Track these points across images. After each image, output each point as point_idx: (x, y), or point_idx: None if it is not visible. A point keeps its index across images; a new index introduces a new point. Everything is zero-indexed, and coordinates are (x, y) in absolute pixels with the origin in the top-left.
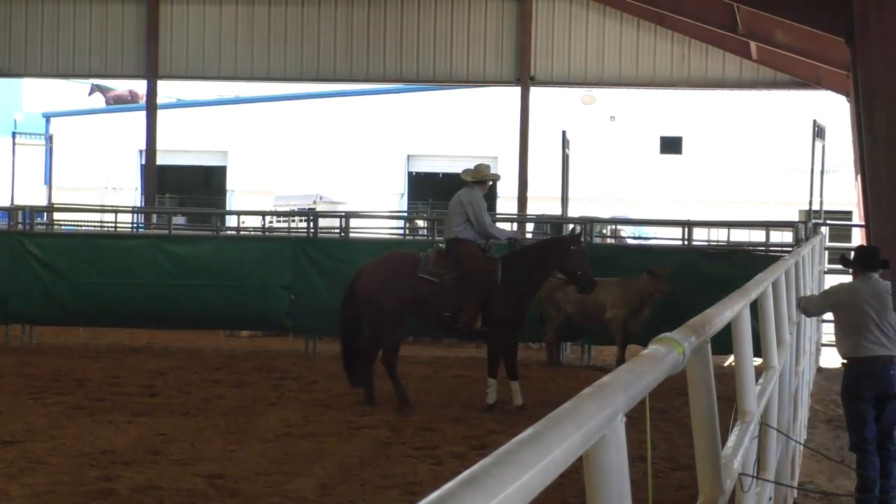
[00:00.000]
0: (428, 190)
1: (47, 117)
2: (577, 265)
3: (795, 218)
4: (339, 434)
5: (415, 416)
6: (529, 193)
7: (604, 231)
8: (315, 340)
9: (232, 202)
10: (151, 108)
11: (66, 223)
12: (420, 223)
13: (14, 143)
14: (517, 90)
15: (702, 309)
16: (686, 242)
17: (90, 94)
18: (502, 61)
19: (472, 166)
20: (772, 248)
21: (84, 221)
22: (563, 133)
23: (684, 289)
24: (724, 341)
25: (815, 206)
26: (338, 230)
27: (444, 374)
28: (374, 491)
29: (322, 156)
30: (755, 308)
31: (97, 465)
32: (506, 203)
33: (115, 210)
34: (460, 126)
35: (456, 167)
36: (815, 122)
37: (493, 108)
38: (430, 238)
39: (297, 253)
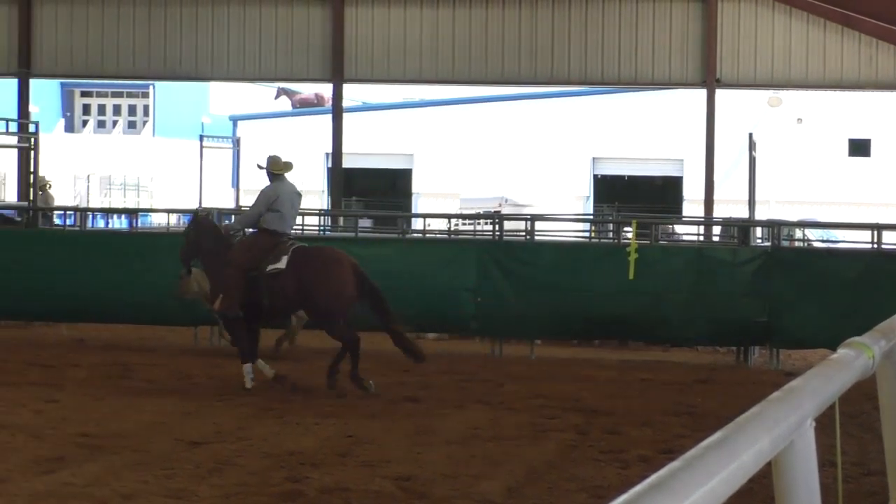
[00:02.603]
0: (613, 193)
1: (234, 120)
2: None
3: None
4: (525, 437)
5: (601, 419)
6: (716, 196)
7: (791, 234)
8: (500, 343)
9: (417, 205)
10: (337, 111)
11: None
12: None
13: (202, 146)
14: (703, 92)
15: (891, 313)
16: (875, 245)
17: (276, 97)
18: (687, 63)
19: (274, 160)
20: None
21: None
22: (750, 135)
23: (873, 292)
24: None
25: None
26: (523, 233)
27: (630, 376)
28: (561, 494)
29: (507, 159)
30: None
31: (285, 467)
32: (692, 206)
33: (302, 213)
34: (645, 128)
35: (642, 170)
36: None
37: (678, 110)
38: (615, 241)
39: (483, 256)
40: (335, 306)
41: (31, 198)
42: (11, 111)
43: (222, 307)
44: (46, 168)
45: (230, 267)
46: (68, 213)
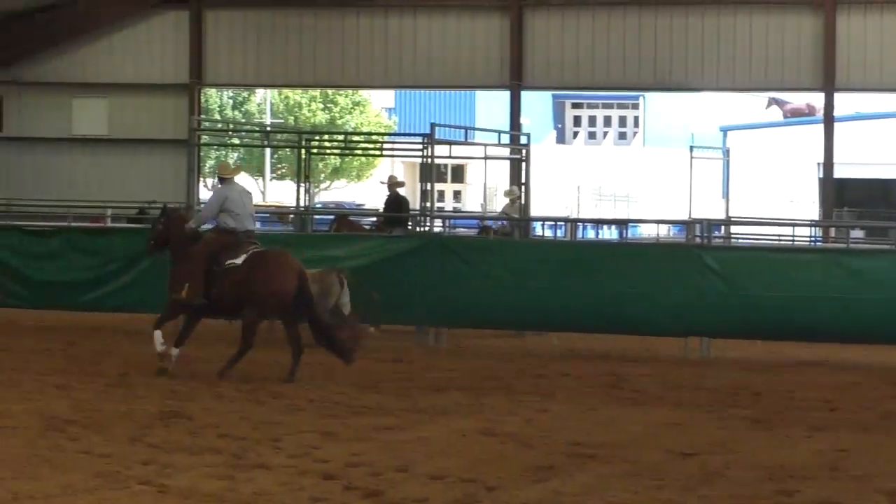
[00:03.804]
0: None
1: (724, 131)
2: None
3: None
4: None
5: None
6: None
7: None
8: None
9: None
10: (828, 120)
11: (743, 236)
12: None
13: (691, 157)
14: None
15: None
16: None
17: (767, 107)
18: None
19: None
20: None
21: (761, 235)
22: None
23: None
24: None
25: None
26: None
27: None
28: None
29: None
30: None
31: (774, 479)
32: None
33: (792, 223)
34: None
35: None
36: None
37: None
38: None
39: None
40: (268, 301)
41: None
42: (504, 123)
43: (188, 296)
44: (537, 179)
45: (195, 260)
46: (558, 223)
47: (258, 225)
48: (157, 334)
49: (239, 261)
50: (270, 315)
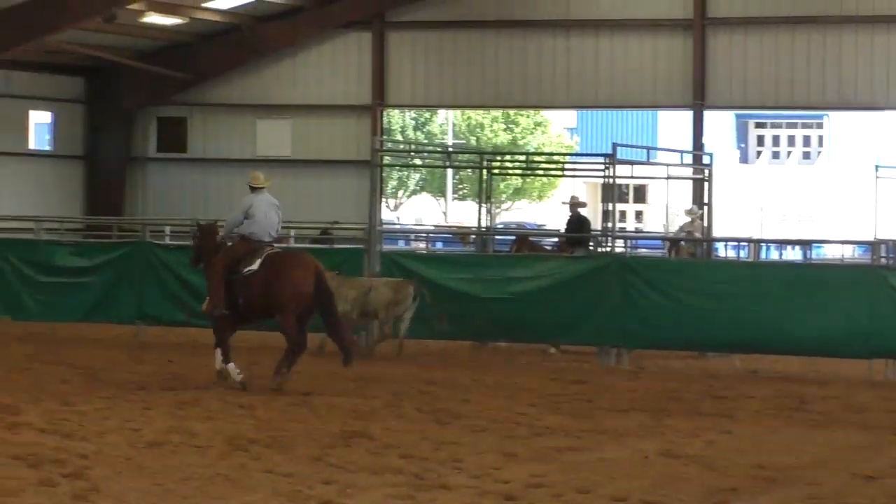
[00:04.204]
0: None
1: None
2: None
3: None
4: None
5: None
6: None
7: None
8: None
9: None
10: None
11: None
12: None
13: (877, 176)
14: None
15: None
16: None
17: None
18: None
19: (255, 176)
20: None
21: None
22: None
23: None
24: None
25: None
26: None
27: None
28: None
29: None
30: None
31: None
32: None
33: None
34: None
35: None
36: None
37: None
38: None
39: None
40: (290, 301)
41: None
42: (686, 143)
43: (208, 308)
44: (720, 199)
45: (212, 271)
46: (741, 244)
47: (439, 245)
48: (218, 352)
49: (256, 266)
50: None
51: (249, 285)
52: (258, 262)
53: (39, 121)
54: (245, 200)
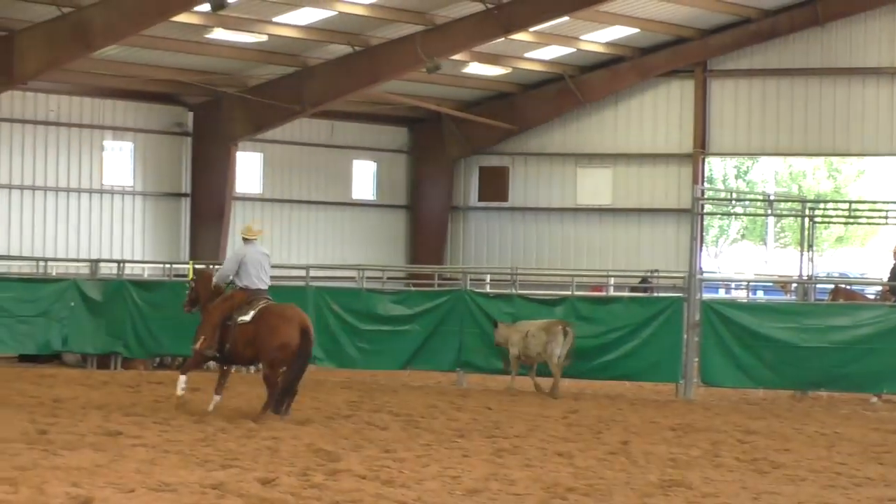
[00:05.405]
0: None
1: None
2: None
3: None
4: None
5: None
6: None
7: None
8: None
9: None
10: None
11: None
12: None
13: None
14: None
15: None
16: None
17: None
18: None
19: (247, 228)
20: None
21: None
22: None
23: None
24: None
25: None
26: None
27: None
28: None
29: None
30: None
31: None
32: None
33: None
34: None
35: None
36: None
37: None
38: None
39: None
40: (277, 356)
41: None
42: None
43: (201, 347)
44: None
45: (212, 315)
46: None
47: (760, 293)
48: (182, 378)
49: (248, 318)
50: (281, 366)
51: (239, 334)
52: (251, 314)
53: (364, 170)
54: (237, 252)
